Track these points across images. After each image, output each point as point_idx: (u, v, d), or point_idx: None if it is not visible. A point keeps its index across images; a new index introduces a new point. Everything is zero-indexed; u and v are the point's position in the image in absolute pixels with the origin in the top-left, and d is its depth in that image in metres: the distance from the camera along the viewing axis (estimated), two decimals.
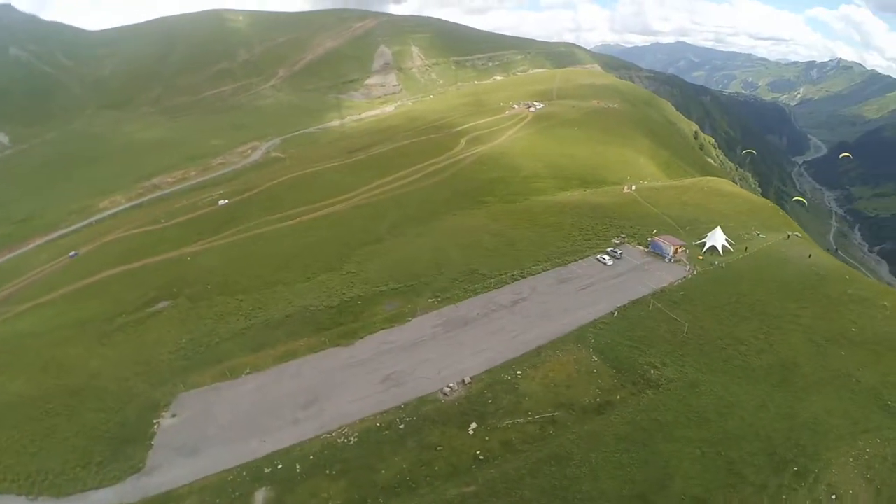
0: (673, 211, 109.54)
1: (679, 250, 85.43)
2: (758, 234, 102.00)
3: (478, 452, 45.73)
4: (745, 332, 64.57)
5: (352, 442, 47.44)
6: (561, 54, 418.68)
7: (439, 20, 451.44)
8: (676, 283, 76.76)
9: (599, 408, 51.00)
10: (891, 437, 48.42)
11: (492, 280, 75.09)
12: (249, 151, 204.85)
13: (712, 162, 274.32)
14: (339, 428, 48.83)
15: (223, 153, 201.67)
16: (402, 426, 48.97)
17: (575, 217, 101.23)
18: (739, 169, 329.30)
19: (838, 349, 61.52)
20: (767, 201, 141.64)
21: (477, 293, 72.06)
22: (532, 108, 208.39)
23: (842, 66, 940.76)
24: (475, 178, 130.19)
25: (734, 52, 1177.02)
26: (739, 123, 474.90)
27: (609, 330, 63.86)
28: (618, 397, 52.44)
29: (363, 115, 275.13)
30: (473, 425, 48.38)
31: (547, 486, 42.36)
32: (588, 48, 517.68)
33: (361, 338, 63.04)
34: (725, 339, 63.00)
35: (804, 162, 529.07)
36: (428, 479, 43.45)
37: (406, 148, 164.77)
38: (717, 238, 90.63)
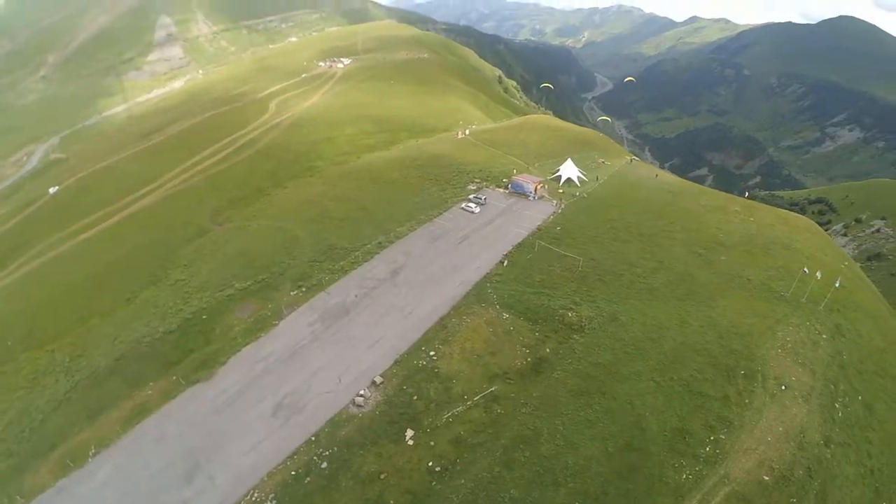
0: (515, 150, 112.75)
1: (539, 187, 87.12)
2: (603, 162, 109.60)
3: (430, 464, 38.60)
4: (633, 255, 67.25)
5: None
6: (356, 11, 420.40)
7: None
8: (550, 220, 77.68)
9: (535, 367, 47.37)
10: (797, 322, 55.40)
11: (357, 253, 66.70)
12: (24, 158, 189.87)
13: (517, 103, 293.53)
14: (247, 494, 37.19)
15: None
16: (324, 465, 39.06)
17: (419, 169, 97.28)
18: (540, 107, 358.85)
19: (718, 255, 68.18)
20: (595, 131, 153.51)
21: (346, 272, 62.99)
22: (340, 65, 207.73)
23: (622, 11, 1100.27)
24: (297, 142, 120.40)
25: (521, 2, 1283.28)
26: (532, 67, 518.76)
27: (506, 281, 60.83)
28: (547, 350, 49.49)
29: (151, 94, 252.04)
30: (409, 433, 40.88)
31: (531, 476, 37.38)
32: (382, 3, 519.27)
33: (223, 363, 49.85)
34: (619, 266, 64.49)
35: (593, 97, 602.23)
36: None
37: (209, 121, 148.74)
38: (570, 170, 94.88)
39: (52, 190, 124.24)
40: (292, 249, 69.05)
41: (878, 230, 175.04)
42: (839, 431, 44.80)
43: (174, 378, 48.35)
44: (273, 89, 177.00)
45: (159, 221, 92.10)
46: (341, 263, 64.51)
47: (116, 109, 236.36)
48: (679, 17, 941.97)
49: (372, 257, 66.16)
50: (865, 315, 62.59)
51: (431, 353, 49.06)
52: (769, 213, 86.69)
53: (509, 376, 46.32)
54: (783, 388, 46.34)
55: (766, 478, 38.95)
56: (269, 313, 56.08)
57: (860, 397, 49.21)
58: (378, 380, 45.98)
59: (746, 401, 44.38)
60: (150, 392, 47.37)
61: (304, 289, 59.91)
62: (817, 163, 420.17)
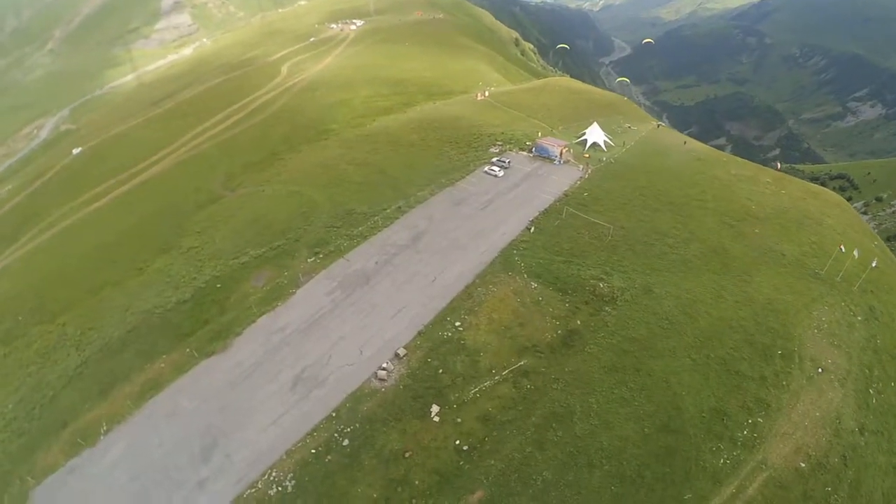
0: (537, 113, 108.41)
1: (565, 151, 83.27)
2: (629, 127, 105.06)
3: (457, 442, 36.59)
4: (664, 224, 64.10)
5: (290, 488, 34.53)
6: None
7: None
8: (577, 185, 74.31)
9: (566, 341, 45.05)
10: (833, 302, 52.53)
11: (376, 218, 64.00)
12: (35, 132, 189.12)
13: (535, 66, 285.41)
14: (265, 473, 35.27)
15: (5, 141, 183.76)
16: (345, 442, 37.01)
17: (438, 132, 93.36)
18: (557, 71, 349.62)
19: (752, 227, 64.71)
20: (620, 96, 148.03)
21: (365, 237, 60.35)
22: (352, 27, 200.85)
23: None
24: (311, 106, 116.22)
25: None
26: (549, 31, 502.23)
27: (533, 248, 58.08)
28: (578, 323, 47.08)
29: (159, 62, 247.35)
30: (435, 409, 38.73)
31: (564, 457, 35.45)
32: None
33: (239, 334, 47.53)
34: (650, 235, 61.60)
35: (611, 62, 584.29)
36: (414, 501, 33.37)
37: (220, 87, 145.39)
38: (596, 134, 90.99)
39: (75, 151, 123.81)
40: (308, 215, 66.30)
41: None
42: (873, 419, 43.24)
43: (187, 350, 46.40)
44: (283, 53, 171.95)
45: (171, 188, 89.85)
46: (360, 229, 61.91)
47: (125, 79, 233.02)
48: None
49: (392, 222, 63.47)
50: None
51: (457, 323, 46.73)
52: (799, 187, 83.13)
53: (539, 349, 44.05)
54: (819, 370, 44.41)
55: (803, 464, 37.57)
56: (286, 281, 53.77)
57: (893, 384, 47.41)
58: (401, 352, 43.83)
59: (784, 382, 42.46)
60: (162, 365, 45.51)
61: (321, 255, 57.41)
62: (838, 137, 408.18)
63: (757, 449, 37.48)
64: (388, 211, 65.54)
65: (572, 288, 51.09)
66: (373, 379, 41.62)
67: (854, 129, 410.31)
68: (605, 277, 52.46)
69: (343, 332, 46.43)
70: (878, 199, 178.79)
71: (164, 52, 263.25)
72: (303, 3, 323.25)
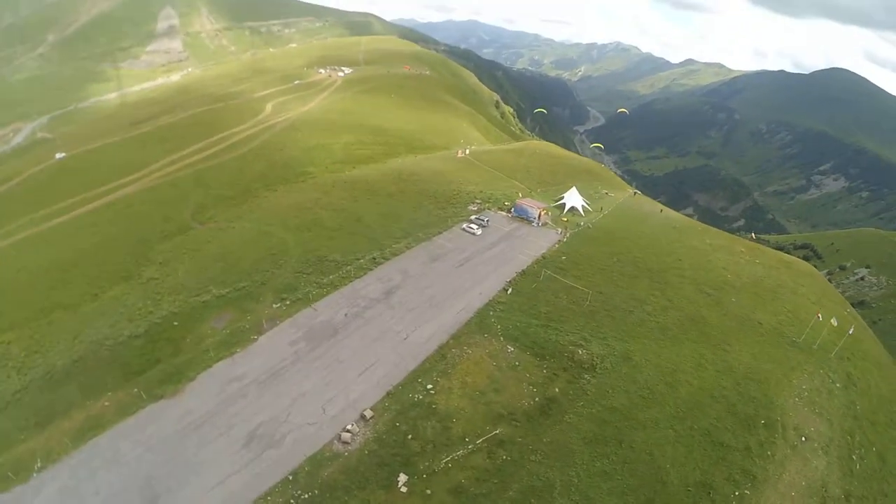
0: (517, 174, 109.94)
1: (543, 213, 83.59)
2: (606, 193, 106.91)
3: None
4: (642, 291, 63.55)
5: None
6: (359, 24, 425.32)
7: None
8: (555, 248, 74.27)
9: (543, 409, 42.57)
10: (811, 370, 52.37)
11: (349, 267, 61.74)
12: (11, 135, 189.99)
13: (513, 129, 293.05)
14: None
15: None
16: None
17: (417, 185, 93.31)
18: (533, 135, 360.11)
19: (728, 296, 64.82)
20: (598, 162, 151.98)
21: (335, 287, 57.80)
22: (340, 74, 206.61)
23: (620, 49, 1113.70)
24: (291, 146, 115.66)
25: (523, 32, 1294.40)
26: (528, 96, 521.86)
27: (510, 310, 56.38)
28: (556, 390, 44.77)
29: (145, 84, 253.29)
30: (403, 478, 35.37)
31: None
32: (384, 19, 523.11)
33: (192, 379, 43.51)
34: (628, 302, 60.64)
35: (585, 130, 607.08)
36: None
37: (202, 116, 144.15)
38: (574, 198, 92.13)
39: (58, 155, 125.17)
40: (278, 257, 63.73)
41: (862, 278, 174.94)
42: (857, 485, 42.53)
43: (135, 391, 42.25)
44: (270, 91, 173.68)
45: (139, 213, 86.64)
46: (331, 277, 59.46)
47: (110, 96, 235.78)
48: (675, 59, 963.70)
49: (365, 273, 61.24)
50: (873, 364, 60.76)
51: (429, 386, 43.98)
52: (773, 256, 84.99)
53: (515, 418, 41.44)
54: (803, 439, 43.48)
55: None
56: (248, 326, 50.38)
57: (874, 448, 47.14)
58: (368, 413, 40.63)
59: (768, 453, 41.09)
60: (106, 404, 41.24)
61: (287, 302, 54.52)
62: (801, 209, 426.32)
63: None
64: (362, 261, 63.43)
65: (550, 353, 49.13)
66: (335, 441, 38.15)
67: (817, 202, 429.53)
68: (583, 343, 50.78)
69: (305, 388, 43.04)
70: (842, 268, 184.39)
71: (151, 74, 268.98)
72: (293, 45, 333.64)
